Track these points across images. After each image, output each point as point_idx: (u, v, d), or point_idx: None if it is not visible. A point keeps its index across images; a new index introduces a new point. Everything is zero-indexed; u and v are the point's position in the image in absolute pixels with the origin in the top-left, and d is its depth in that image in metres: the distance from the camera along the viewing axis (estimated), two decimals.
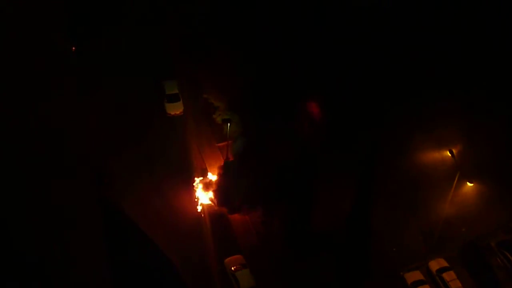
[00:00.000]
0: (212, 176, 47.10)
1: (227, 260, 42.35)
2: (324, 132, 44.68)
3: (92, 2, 52.60)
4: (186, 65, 52.19)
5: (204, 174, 47.51)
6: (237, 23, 48.80)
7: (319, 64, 46.36)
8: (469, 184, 41.53)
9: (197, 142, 49.49)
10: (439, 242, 43.47)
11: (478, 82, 46.36)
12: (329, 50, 46.94)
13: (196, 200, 45.96)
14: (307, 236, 43.07)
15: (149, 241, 39.69)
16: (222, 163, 47.35)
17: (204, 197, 46.05)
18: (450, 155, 40.07)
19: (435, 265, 42.97)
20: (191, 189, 46.34)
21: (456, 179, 39.81)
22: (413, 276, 42.27)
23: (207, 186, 46.34)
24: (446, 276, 41.97)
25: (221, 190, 45.28)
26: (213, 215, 45.30)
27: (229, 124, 45.91)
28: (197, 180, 46.81)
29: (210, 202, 45.97)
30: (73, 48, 46.40)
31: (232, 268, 41.71)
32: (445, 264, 42.95)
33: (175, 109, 51.14)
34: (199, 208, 45.59)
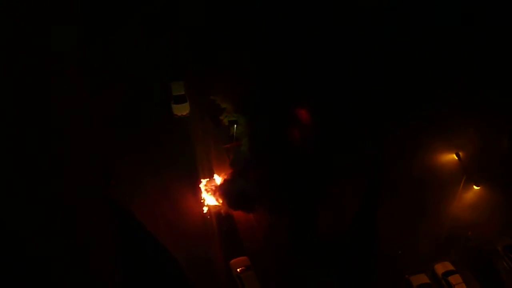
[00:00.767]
0: (219, 178, 47.24)
1: (232, 261, 42.42)
2: (331, 135, 44.71)
3: (104, 4, 52.72)
4: (193, 66, 52.33)
5: (210, 175, 47.68)
6: (243, 25, 48.91)
7: (327, 67, 46.38)
8: (475, 187, 41.51)
9: (204, 143, 49.57)
10: (445, 245, 43.45)
11: (487, 85, 46.28)
12: (338, 52, 46.99)
13: (202, 201, 46.13)
14: (312, 239, 43.12)
15: (157, 243, 39.80)
16: (228, 165, 47.44)
17: (210, 198, 46.21)
18: (456, 158, 40.12)
19: (440, 268, 42.84)
20: (197, 190, 46.46)
21: (463, 182, 39.83)
22: (418, 279, 42.16)
23: (213, 187, 46.45)
24: (452, 279, 41.86)
25: (228, 192, 45.35)
26: (219, 216, 45.40)
27: (235, 126, 46.02)
28: (203, 181, 46.95)
29: (216, 204, 46.10)
30: (84, 49, 46.43)
31: (238, 270, 41.75)
32: (451, 267, 42.82)
33: (182, 110, 51.25)
34: (205, 210, 45.77)
